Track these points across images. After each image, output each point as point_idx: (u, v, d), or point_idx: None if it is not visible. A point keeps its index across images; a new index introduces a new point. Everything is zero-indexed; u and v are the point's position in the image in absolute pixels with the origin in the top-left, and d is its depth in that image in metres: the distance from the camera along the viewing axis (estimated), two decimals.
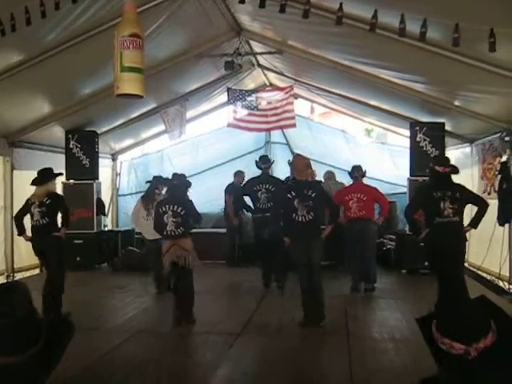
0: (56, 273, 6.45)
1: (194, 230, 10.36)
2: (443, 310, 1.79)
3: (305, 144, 12.37)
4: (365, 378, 4.46)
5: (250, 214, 8.99)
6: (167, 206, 6.13)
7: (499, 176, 7.57)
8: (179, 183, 6.70)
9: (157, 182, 8.13)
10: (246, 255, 10.24)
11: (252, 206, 8.38)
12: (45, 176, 6.57)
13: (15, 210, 6.89)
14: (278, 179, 8.50)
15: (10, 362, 1.69)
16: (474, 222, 5.87)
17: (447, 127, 9.28)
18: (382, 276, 8.48)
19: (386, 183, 11.65)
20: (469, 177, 9.18)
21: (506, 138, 7.50)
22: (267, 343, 5.55)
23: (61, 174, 6.92)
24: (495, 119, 7.59)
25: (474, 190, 8.69)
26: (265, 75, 11.50)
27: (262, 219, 7.92)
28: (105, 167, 11.71)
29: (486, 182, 8.50)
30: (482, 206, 5.82)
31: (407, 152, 9.69)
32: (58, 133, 9.90)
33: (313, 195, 5.90)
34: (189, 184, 7.26)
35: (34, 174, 6.65)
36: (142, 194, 8.53)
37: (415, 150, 9.33)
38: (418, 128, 9.35)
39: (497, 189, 7.69)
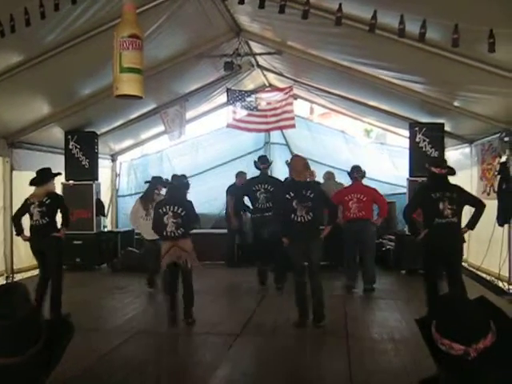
0: (55, 273, 6.45)
1: (194, 231, 10.43)
2: (443, 310, 1.79)
3: (304, 144, 12.38)
4: (364, 379, 4.46)
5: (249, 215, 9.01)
6: (167, 207, 6.12)
7: (499, 176, 7.57)
8: (178, 184, 6.70)
9: (156, 182, 8.14)
10: (245, 255, 10.24)
11: (251, 206, 8.38)
12: (44, 176, 6.56)
13: (15, 211, 6.88)
14: (277, 179, 8.51)
15: (9, 363, 1.70)
16: (471, 223, 5.88)
17: (447, 128, 9.29)
18: (381, 276, 8.48)
19: (386, 184, 11.66)
20: (468, 177, 9.19)
21: (506, 139, 7.50)
22: (266, 344, 5.56)
23: (59, 173, 6.91)
24: (494, 120, 7.59)
25: (474, 191, 8.72)
26: (264, 76, 11.51)
27: (261, 219, 7.93)
28: (104, 168, 11.70)
29: (485, 183, 8.50)
30: (479, 207, 5.83)
31: (406, 152, 9.69)
32: (57, 134, 9.90)
33: (311, 196, 5.91)
34: (187, 185, 7.26)
35: (33, 175, 6.64)
36: (141, 194, 8.55)
37: (414, 150, 9.32)
38: (417, 128, 9.35)
39: (496, 189, 7.69)
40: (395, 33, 4.76)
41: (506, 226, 7.46)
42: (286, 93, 9.93)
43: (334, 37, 6.70)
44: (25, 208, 6.55)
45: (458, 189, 5.84)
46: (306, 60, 8.40)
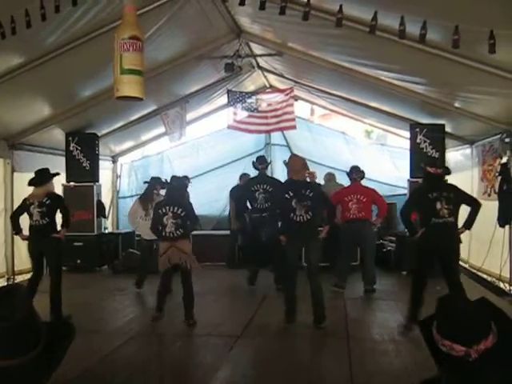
0: (54, 274, 6.45)
1: (194, 232, 10.43)
2: (444, 311, 1.79)
3: (305, 146, 12.38)
4: (365, 381, 4.46)
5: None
6: (167, 208, 6.12)
7: (499, 177, 7.56)
8: (178, 185, 6.69)
9: (155, 182, 8.16)
10: (244, 256, 10.23)
11: (249, 207, 8.39)
12: (43, 176, 6.55)
13: (13, 210, 6.88)
14: (276, 179, 8.52)
15: (9, 365, 1.69)
16: (468, 223, 5.89)
17: (447, 129, 9.28)
18: (382, 277, 8.48)
19: (386, 185, 11.66)
20: (469, 178, 9.19)
21: (506, 140, 7.50)
22: (267, 345, 5.55)
23: (58, 173, 6.90)
24: (495, 120, 7.59)
25: (474, 192, 8.72)
26: (265, 77, 11.51)
27: (260, 219, 7.94)
28: (105, 169, 11.71)
29: (486, 184, 8.50)
30: (475, 207, 5.84)
31: (407, 153, 9.69)
32: (58, 135, 9.91)
33: (311, 195, 5.91)
34: (186, 186, 7.26)
35: None
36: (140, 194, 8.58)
37: (415, 151, 9.31)
38: (418, 129, 9.34)
39: (497, 190, 7.69)
40: (396, 34, 4.75)
41: (507, 227, 7.45)
42: (287, 94, 9.93)
43: (334, 38, 6.70)
44: (23, 208, 6.54)
45: (454, 188, 5.86)
46: (306, 61, 8.40)
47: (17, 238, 7.16)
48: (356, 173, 8.01)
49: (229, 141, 12.43)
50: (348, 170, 8.24)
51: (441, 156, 9.17)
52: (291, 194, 5.92)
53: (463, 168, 9.69)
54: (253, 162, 8.52)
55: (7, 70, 6.54)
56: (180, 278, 6.26)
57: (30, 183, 6.55)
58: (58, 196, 6.80)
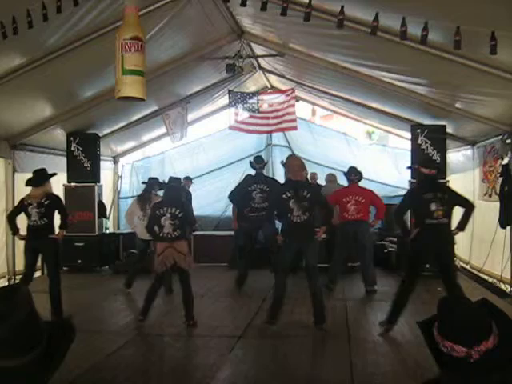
0: (53, 275, 6.46)
1: (196, 233, 10.45)
2: (445, 312, 1.79)
3: (306, 146, 12.39)
4: (366, 381, 4.46)
5: None
6: (165, 208, 6.11)
7: (500, 178, 7.56)
8: (175, 185, 6.67)
9: (152, 183, 8.18)
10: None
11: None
12: (41, 177, 6.54)
13: (10, 210, 6.87)
14: (273, 179, 8.52)
15: (9, 365, 1.69)
16: (462, 225, 5.89)
17: (448, 130, 9.28)
18: (383, 278, 8.47)
19: (387, 186, 11.66)
20: (470, 179, 9.18)
21: (508, 141, 7.50)
22: (268, 346, 5.56)
23: (55, 174, 6.88)
24: (496, 121, 7.58)
25: (476, 193, 8.72)
26: (266, 78, 11.52)
27: (257, 219, 7.93)
28: (106, 170, 11.72)
29: (487, 185, 8.49)
30: (469, 208, 5.82)
31: (408, 154, 9.69)
32: (59, 135, 9.91)
33: (308, 195, 5.90)
34: (183, 186, 7.26)
35: None
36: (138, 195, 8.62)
37: (416, 152, 9.31)
38: (419, 130, 9.34)
39: (498, 191, 7.68)
40: (397, 35, 4.75)
41: (508, 228, 7.45)
42: (288, 95, 9.94)
43: (335, 39, 6.70)
44: (21, 208, 6.53)
45: (447, 189, 5.86)
46: (307, 62, 8.41)
47: (12, 235, 7.14)
48: (354, 174, 8.01)
49: (230, 141, 12.44)
50: (345, 171, 8.24)
51: (442, 157, 9.18)
52: (289, 195, 5.91)
53: (464, 169, 9.69)
54: (250, 162, 8.53)
55: (9, 71, 6.55)
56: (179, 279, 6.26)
57: (28, 183, 6.55)
58: (57, 197, 6.79)
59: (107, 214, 11.26)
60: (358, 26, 5.59)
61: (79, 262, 9.85)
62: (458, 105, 7.97)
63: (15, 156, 8.85)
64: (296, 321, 6.20)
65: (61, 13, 4.82)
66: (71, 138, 10.08)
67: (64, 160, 10.06)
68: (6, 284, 8.30)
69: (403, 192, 10.44)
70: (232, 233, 9.32)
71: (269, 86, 12.06)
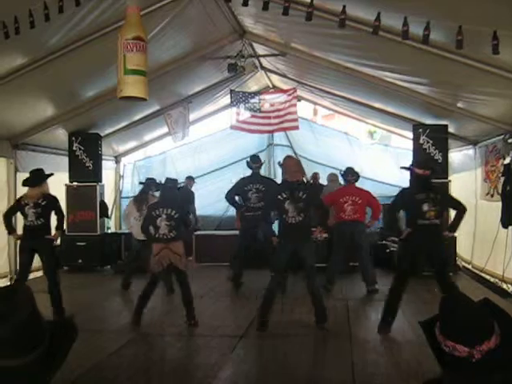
0: (52, 275, 6.46)
1: (197, 232, 10.46)
2: (447, 312, 1.79)
3: (308, 146, 12.38)
4: (367, 381, 4.45)
5: None
6: (161, 209, 6.08)
7: (502, 178, 7.55)
8: (171, 186, 6.66)
9: (149, 184, 8.18)
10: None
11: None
12: (39, 177, 6.52)
13: (6, 210, 6.86)
14: (270, 179, 8.51)
15: (11, 365, 1.69)
16: (453, 227, 5.88)
17: (450, 129, 9.27)
18: (384, 278, 8.43)
19: (389, 185, 11.63)
20: (472, 179, 9.18)
21: (510, 140, 7.49)
22: (269, 346, 5.55)
23: (52, 174, 6.87)
24: (498, 121, 7.58)
25: (477, 193, 8.71)
26: (268, 77, 11.52)
27: (252, 218, 7.93)
28: (108, 170, 11.73)
29: (489, 185, 8.48)
30: (461, 211, 5.81)
31: (410, 154, 9.67)
32: (61, 135, 9.93)
33: (303, 196, 5.87)
34: (180, 187, 7.27)
35: None
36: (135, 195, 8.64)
37: (418, 152, 9.30)
38: (421, 130, 9.34)
39: (500, 191, 7.67)
40: (399, 35, 4.75)
41: (510, 227, 7.43)
42: (290, 94, 9.93)
43: (337, 39, 6.70)
44: (17, 208, 6.53)
45: (441, 190, 5.84)
46: (309, 61, 8.41)
47: (8, 235, 7.12)
48: (351, 174, 8.01)
49: (231, 141, 12.44)
50: (342, 171, 8.22)
51: (444, 156, 9.18)
52: (284, 196, 5.88)
53: (466, 169, 9.68)
54: (247, 162, 8.52)
55: (11, 70, 6.56)
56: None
57: (25, 183, 6.54)
58: (54, 198, 6.74)
59: (109, 213, 11.28)
60: (360, 25, 5.59)
61: (80, 261, 9.85)
62: (459, 104, 7.96)
63: (17, 156, 8.87)
64: (296, 320, 6.19)
65: (63, 13, 4.83)
66: (73, 138, 10.10)
67: (66, 160, 10.08)
68: (8, 284, 8.31)
69: None
70: (233, 232, 9.32)
71: (270, 86, 12.06)
